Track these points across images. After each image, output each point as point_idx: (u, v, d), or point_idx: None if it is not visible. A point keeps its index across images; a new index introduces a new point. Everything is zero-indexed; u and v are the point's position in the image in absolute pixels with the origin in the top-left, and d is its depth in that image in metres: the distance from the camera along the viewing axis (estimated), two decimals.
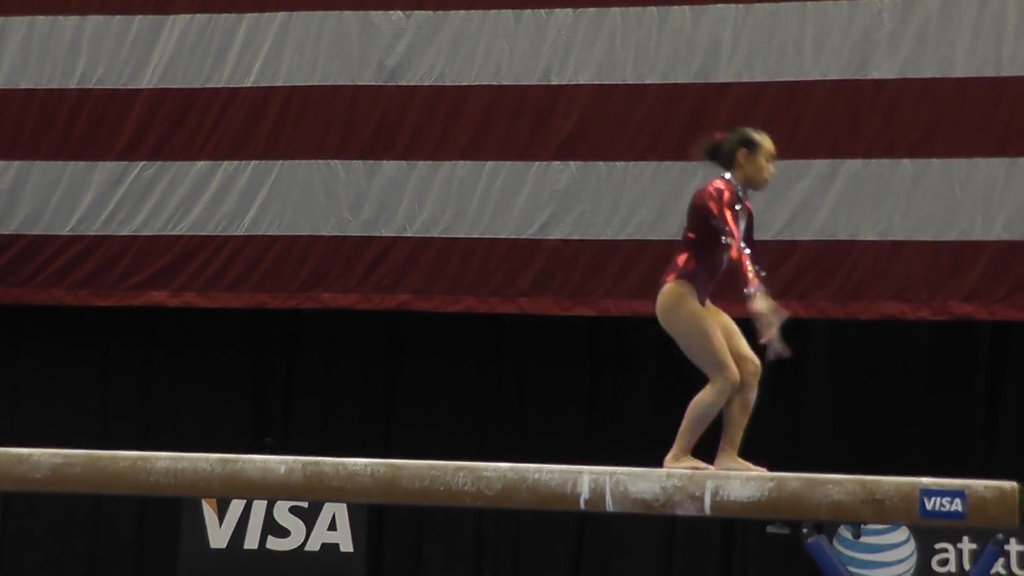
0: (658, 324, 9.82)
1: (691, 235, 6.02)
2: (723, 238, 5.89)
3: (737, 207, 5.96)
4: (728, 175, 6.05)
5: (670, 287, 6.01)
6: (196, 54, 9.93)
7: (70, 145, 10.03)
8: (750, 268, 5.78)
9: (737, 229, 5.90)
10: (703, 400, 5.98)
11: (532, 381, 10.18)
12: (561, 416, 10.08)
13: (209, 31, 9.93)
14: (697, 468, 5.88)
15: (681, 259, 6.02)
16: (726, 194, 5.95)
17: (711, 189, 5.99)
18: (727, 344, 6.00)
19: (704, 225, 5.98)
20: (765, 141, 6.08)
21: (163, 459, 6.01)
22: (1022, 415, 9.67)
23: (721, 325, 6.04)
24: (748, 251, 5.85)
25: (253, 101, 9.88)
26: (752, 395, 6.05)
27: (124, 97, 9.98)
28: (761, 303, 5.73)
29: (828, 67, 9.32)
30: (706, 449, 6.07)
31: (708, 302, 6.07)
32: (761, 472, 5.85)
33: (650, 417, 9.99)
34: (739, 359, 6.01)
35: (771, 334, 5.74)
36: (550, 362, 10.16)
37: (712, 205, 5.93)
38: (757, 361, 6.03)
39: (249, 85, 9.89)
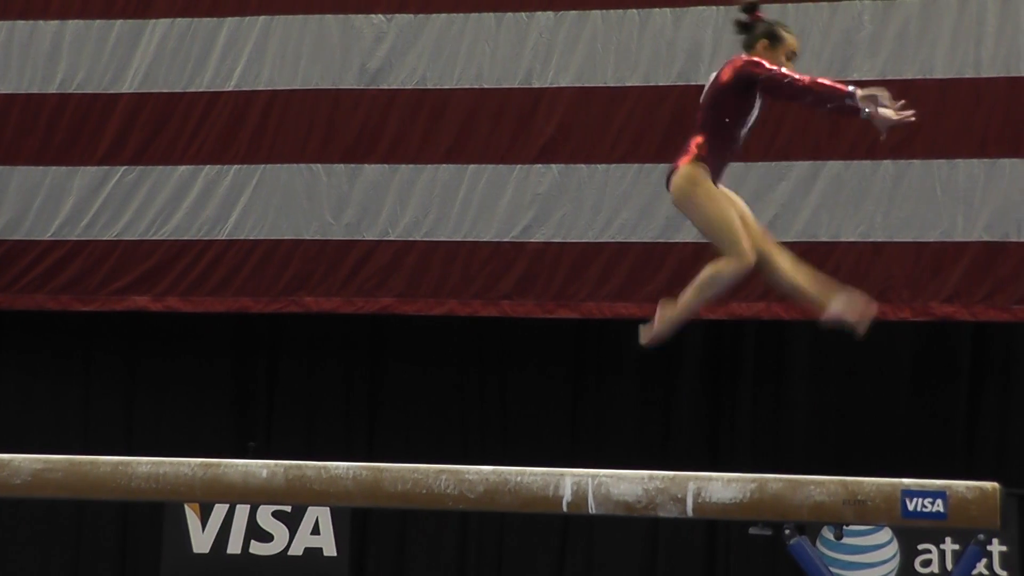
0: (640, 325, 9.87)
1: (711, 113, 5.95)
2: (787, 80, 5.80)
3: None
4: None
5: (685, 169, 5.98)
6: (177, 58, 9.91)
7: (51, 150, 10.00)
8: (826, 80, 5.73)
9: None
10: (717, 268, 5.94)
11: (515, 384, 10.18)
12: (544, 419, 10.08)
13: (190, 35, 9.91)
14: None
15: (695, 142, 5.99)
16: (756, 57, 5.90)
17: (740, 59, 5.94)
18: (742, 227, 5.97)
19: (727, 101, 5.93)
20: (791, 38, 6.10)
21: (144, 464, 5.99)
22: (1004, 416, 9.69)
23: (736, 207, 6.02)
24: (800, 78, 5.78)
25: (234, 105, 9.87)
26: (786, 258, 6.01)
27: (105, 102, 9.96)
28: (861, 92, 5.68)
29: (809, 69, 9.24)
30: None
31: (721, 185, 6.03)
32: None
33: (633, 419, 10.00)
34: (756, 239, 5.99)
35: (884, 106, 5.68)
36: (533, 365, 10.16)
37: (753, 67, 5.87)
38: (768, 234, 6.04)
39: (230, 89, 9.88)
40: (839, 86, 5.77)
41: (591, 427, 10.10)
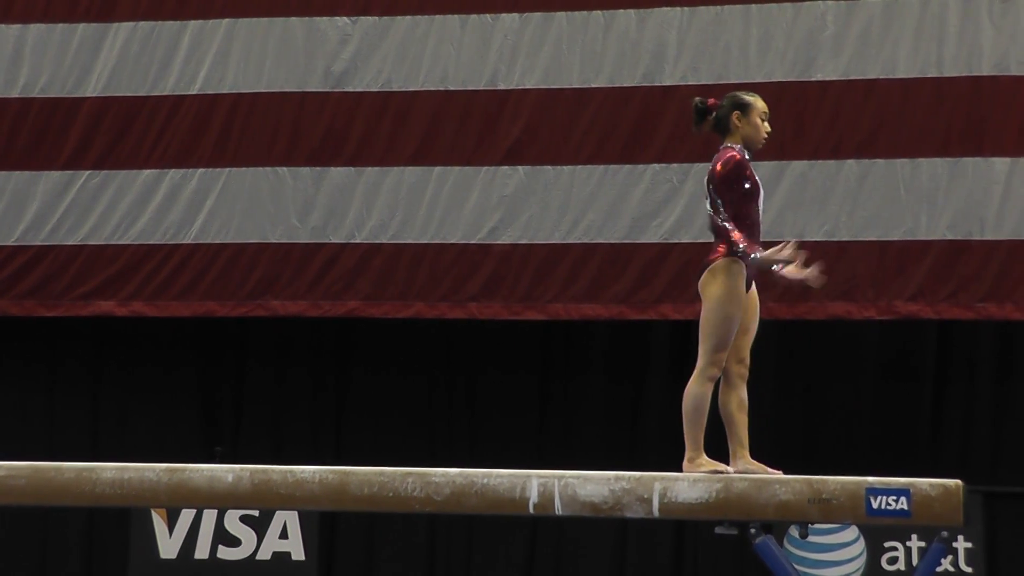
0: (607, 326, 9.90)
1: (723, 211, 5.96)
2: (713, 213, 5.90)
3: (747, 185, 5.95)
4: (729, 143, 6.05)
5: (716, 265, 5.95)
6: (141, 62, 9.88)
7: (14, 155, 9.95)
8: (739, 237, 5.85)
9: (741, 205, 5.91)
10: (690, 392, 5.96)
11: (482, 386, 10.18)
12: (512, 420, 10.08)
13: (153, 39, 9.88)
14: (718, 471, 5.83)
15: (716, 236, 5.95)
16: (731, 164, 5.94)
17: (719, 162, 5.96)
18: (736, 340, 5.99)
19: (731, 193, 5.93)
20: (757, 101, 6.12)
21: (109, 470, 5.98)
22: (968, 413, 9.75)
23: (744, 320, 6.02)
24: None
25: (199, 109, 9.84)
26: (744, 393, 6.05)
27: (68, 106, 9.92)
28: (763, 258, 5.82)
29: (773, 69, 9.38)
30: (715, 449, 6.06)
31: (753, 288, 6.02)
32: (777, 475, 5.84)
33: (601, 421, 10.01)
34: (734, 357, 6.01)
35: (798, 271, 5.85)
36: (500, 367, 10.17)
37: (716, 175, 5.91)
38: (748, 364, 6.06)
39: (195, 93, 9.85)
40: (737, 242, 5.85)
41: (559, 428, 10.11)
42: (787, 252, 5.89)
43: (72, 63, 9.93)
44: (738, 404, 6.05)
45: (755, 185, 5.99)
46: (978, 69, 9.18)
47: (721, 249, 5.95)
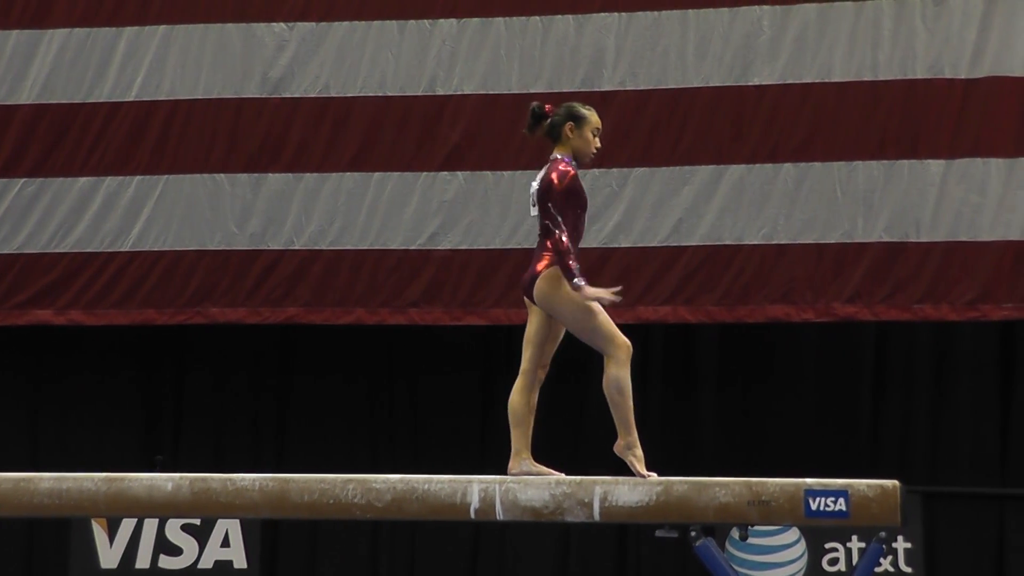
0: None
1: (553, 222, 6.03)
2: (551, 225, 6.00)
3: (580, 199, 6.06)
4: (559, 152, 6.14)
5: (548, 273, 6.04)
6: (76, 68, 9.80)
7: None
8: (571, 261, 5.94)
9: (570, 217, 6.01)
10: (611, 376, 6.03)
11: (424, 392, 10.18)
12: (454, 426, 10.08)
13: (89, 45, 9.81)
14: (642, 474, 5.89)
15: (551, 243, 6.04)
16: (567, 179, 6.03)
17: (555, 174, 6.05)
18: (545, 345, 6.15)
19: (568, 207, 6.03)
20: (592, 115, 6.21)
21: (47, 479, 5.94)
22: (907, 414, 9.83)
23: (555, 328, 6.17)
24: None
25: (136, 115, 9.78)
26: (536, 397, 6.20)
27: (2, 113, 9.83)
28: (589, 289, 5.91)
29: (710, 74, 9.43)
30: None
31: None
32: (558, 476, 5.91)
33: (543, 425, 10.00)
34: (539, 361, 6.17)
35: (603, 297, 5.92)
36: (442, 372, 10.16)
37: (555, 189, 6.00)
38: (548, 370, 6.23)
39: (131, 99, 9.79)
40: (572, 270, 5.94)
41: (501, 432, 10.07)
42: (607, 299, 5.95)
43: (6, 70, 9.84)
44: (530, 407, 6.18)
45: (584, 199, 6.13)
46: (912, 72, 9.27)
47: (547, 256, 6.05)
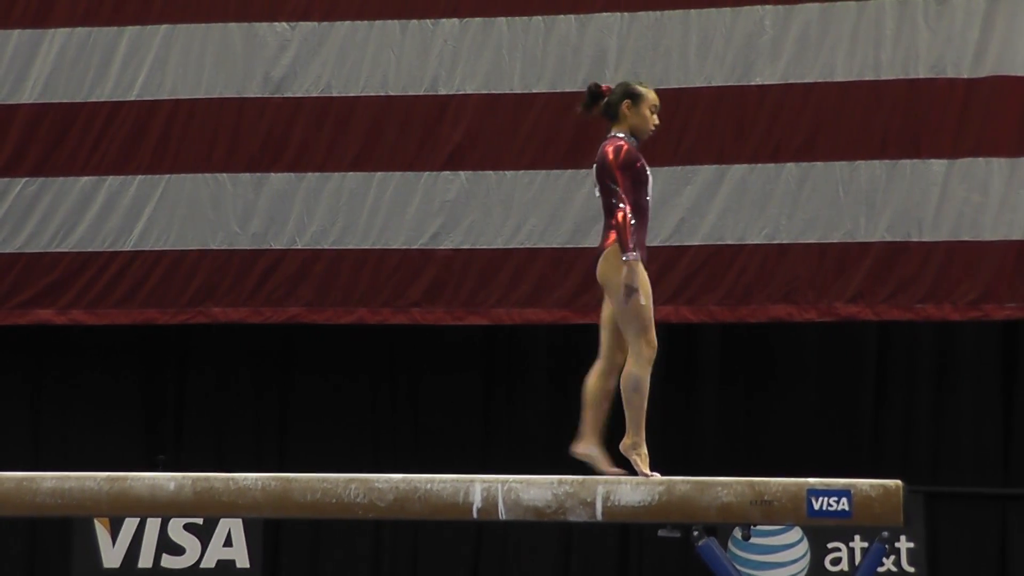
0: (550, 331, 9.92)
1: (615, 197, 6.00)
2: (614, 201, 5.94)
3: (638, 172, 6.02)
4: (616, 131, 6.10)
5: (609, 251, 6.01)
6: (77, 68, 9.80)
7: None
8: (627, 233, 5.89)
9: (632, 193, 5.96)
10: (629, 375, 6.00)
11: (426, 392, 10.17)
12: (456, 426, 10.08)
13: (90, 44, 9.80)
14: (646, 473, 5.86)
15: (613, 220, 5.98)
16: (623, 153, 6.00)
17: (611, 148, 6.02)
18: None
19: (626, 180, 5.99)
20: (649, 92, 6.18)
21: (49, 479, 5.94)
22: (909, 414, 9.83)
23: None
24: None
25: (137, 115, 9.78)
26: (614, 383, 6.11)
27: (4, 113, 9.83)
28: (638, 268, 5.88)
29: (712, 74, 9.42)
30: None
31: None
32: (614, 470, 5.92)
33: (545, 425, 10.02)
34: (620, 344, 6.08)
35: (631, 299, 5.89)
36: (444, 372, 10.16)
37: (611, 164, 5.97)
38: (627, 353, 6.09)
39: (133, 99, 9.78)
40: (627, 243, 5.91)
41: (503, 433, 10.12)
42: (639, 288, 5.90)
43: (7, 69, 9.84)
44: (606, 393, 6.12)
45: (645, 172, 6.07)
46: (915, 72, 9.27)
47: (613, 235, 6.00)
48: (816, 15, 9.34)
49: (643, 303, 5.97)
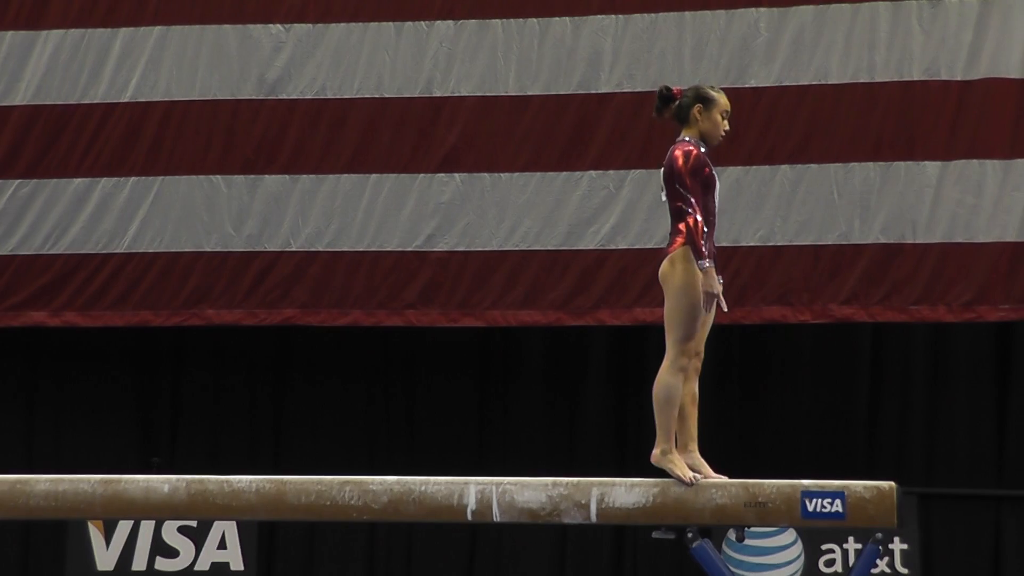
0: (545, 333, 9.92)
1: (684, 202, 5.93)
2: (683, 206, 5.87)
3: (706, 178, 5.95)
4: (686, 135, 6.04)
5: (675, 253, 5.91)
6: (71, 69, 9.79)
7: None
8: (699, 239, 5.83)
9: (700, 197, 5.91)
10: (661, 382, 5.91)
11: (421, 393, 10.17)
12: (450, 428, 10.08)
13: (84, 46, 9.79)
14: (683, 479, 5.77)
15: (682, 225, 5.90)
16: (692, 158, 5.93)
17: (679, 152, 5.96)
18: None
19: (694, 184, 5.92)
20: (721, 97, 6.11)
21: (42, 482, 5.93)
22: (903, 415, 9.84)
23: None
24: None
25: (131, 116, 9.77)
26: (696, 387, 6.04)
27: None
28: (712, 276, 5.81)
29: (707, 76, 9.41)
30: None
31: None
32: (720, 479, 5.83)
33: (539, 427, 10.03)
34: (696, 349, 6.00)
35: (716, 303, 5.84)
36: (438, 374, 10.16)
37: (679, 169, 5.90)
38: (702, 357, 6.04)
39: (127, 100, 9.78)
40: (701, 249, 5.85)
41: (497, 435, 10.12)
42: (717, 291, 5.86)
43: (0, 71, 9.83)
44: (691, 398, 6.02)
45: (712, 177, 6.01)
46: (908, 74, 9.28)
47: (680, 239, 5.91)
48: (810, 18, 9.35)
49: (693, 318, 5.88)
